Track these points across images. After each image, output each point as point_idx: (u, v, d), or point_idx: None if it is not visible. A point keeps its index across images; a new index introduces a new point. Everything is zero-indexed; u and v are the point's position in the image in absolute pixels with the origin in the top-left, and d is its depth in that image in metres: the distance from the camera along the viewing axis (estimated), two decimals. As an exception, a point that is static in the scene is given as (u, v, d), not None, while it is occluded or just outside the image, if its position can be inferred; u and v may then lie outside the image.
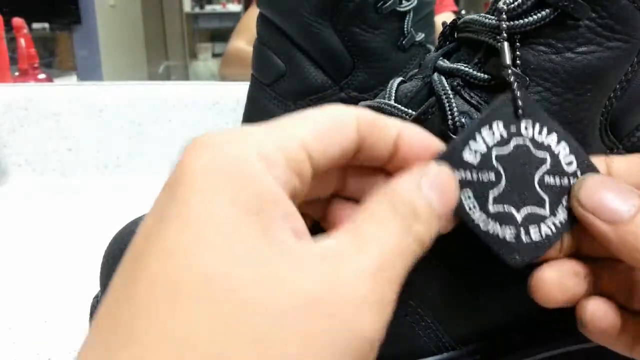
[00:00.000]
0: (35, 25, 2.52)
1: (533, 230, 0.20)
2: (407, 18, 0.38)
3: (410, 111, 0.23)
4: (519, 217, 0.20)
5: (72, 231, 0.49)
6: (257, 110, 0.42)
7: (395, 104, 0.23)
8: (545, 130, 0.20)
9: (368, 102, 0.25)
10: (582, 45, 0.21)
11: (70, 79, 1.77)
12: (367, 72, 0.38)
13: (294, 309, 0.14)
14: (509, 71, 0.20)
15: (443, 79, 0.22)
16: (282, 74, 0.40)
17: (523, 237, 0.20)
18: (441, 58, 0.24)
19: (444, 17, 0.61)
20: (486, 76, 0.22)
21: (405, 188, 0.18)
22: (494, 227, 0.19)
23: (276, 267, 0.15)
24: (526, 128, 0.20)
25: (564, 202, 0.20)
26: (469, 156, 0.19)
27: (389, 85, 0.25)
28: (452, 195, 0.18)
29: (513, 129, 0.20)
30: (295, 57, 0.39)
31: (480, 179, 0.19)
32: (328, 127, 0.19)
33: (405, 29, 0.38)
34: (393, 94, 0.24)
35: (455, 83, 0.22)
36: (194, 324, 0.13)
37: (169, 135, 0.65)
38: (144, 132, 0.66)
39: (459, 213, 0.19)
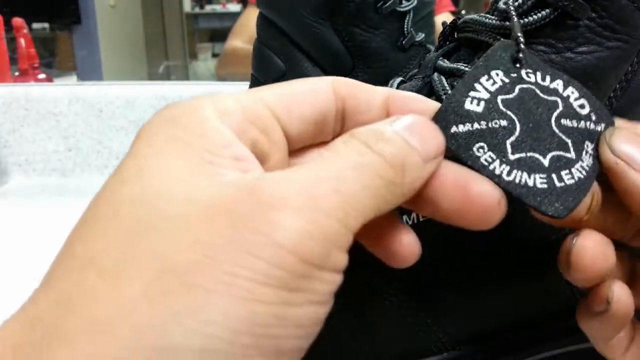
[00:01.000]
0: (35, 25, 2.52)
1: (565, 174, 0.17)
2: (407, 18, 0.38)
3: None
4: (546, 162, 0.17)
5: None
6: (257, 110, 0.42)
7: None
8: (548, 77, 0.19)
9: None
10: (582, 45, 0.21)
11: (70, 79, 1.77)
12: (367, 72, 0.38)
13: (193, 217, 0.14)
14: (514, 19, 0.19)
15: (443, 79, 0.22)
16: (282, 74, 0.40)
17: (556, 182, 0.17)
18: (441, 58, 0.24)
19: (442, 18, 0.61)
20: None
21: (373, 126, 0.16)
22: (520, 176, 0.17)
23: (195, 184, 0.14)
24: (528, 75, 0.19)
25: (587, 148, 0.18)
26: (471, 106, 0.17)
27: (389, 85, 0.25)
28: (432, 139, 0.17)
29: (514, 76, 0.18)
30: (295, 57, 0.39)
31: (491, 126, 0.17)
32: (295, 90, 0.18)
33: (405, 29, 0.38)
34: None
35: (455, 83, 0.22)
36: (96, 242, 0.14)
37: (169, 135, 0.65)
38: (144, 132, 0.66)
39: (477, 168, 0.17)
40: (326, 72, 0.39)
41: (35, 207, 0.56)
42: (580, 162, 0.18)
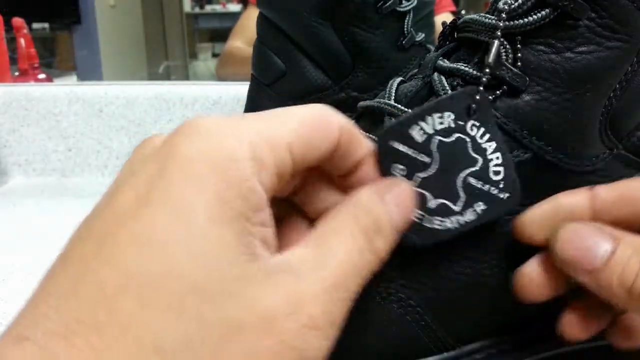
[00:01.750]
0: (35, 25, 2.53)
1: (437, 220, 0.21)
2: (407, 18, 0.38)
3: (409, 111, 0.23)
4: (432, 203, 0.21)
5: (72, 231, 0.49)
6: (257, 110, 0.42)
7: (395, 104, 0.23)
8: (487, 136, 0.21)
9: (368, 102, 0.25)
10: (582, 45, 0.21)
11: (70, 79, 1.77)
12: (367, 72, 0.38)
13: (246, 325, 0.14)
14: (486, 70, 0.21)
15: (443, 78, 0.22)
16: (282, 74, 0.40)
17: (426, 223, 0.21)
18: (441, 58, 0.24)
19: (442, 18, 0.61)
20: (484, 78, 0.21)
21: (370, 201, 0.18)
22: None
23: (238, 281, 0.15)
24: (472, 128, 0.21)
25: (476, 207, 0.21)
26: (415, 133, 0.20)
27: (389, 85, 0.25)
28: (410, 211, 0.20)
29: (460, 124, 0.21)
30: (295, 57, 0.39)
31: (416, 157, 0.20)
32: (314, 132, 0.18)
33: (405, 29, 0.38)
34: (393, 94, 0.24)
35: (455, 83, 0.22)
36: (152, 324, 0.14)
37: (169, 135, 0.65)
38: (144, 132, 0.65)
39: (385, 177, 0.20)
40: (326, 72, 0.39)
41: (35, 207, 0.56)
42: (458, 216, 0.21)
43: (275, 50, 0.40)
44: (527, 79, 0.21)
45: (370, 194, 0.19)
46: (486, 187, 0.21)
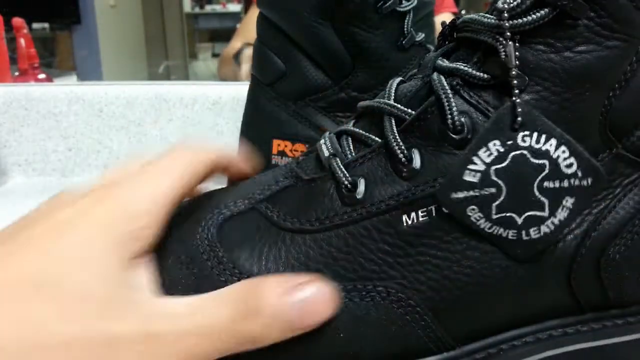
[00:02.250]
0: (35, 25, 2.53)
1: (533, 231, 0.21)
2: (407, 18, 0.38)
3: (409, 110, 0.23)
4: (519, 220, 0.21)
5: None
6: (257, 110, 0.42)
7: (395, 104, 0.23)
8: (543, 137, 0.21)
9: (367, 102, 0.25)
10: (581, 45, 0.21)
11: (70, 79, 1.77)
12: (367, 72, 0.38)
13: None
14: (513, 73, 0.20)
15: (442, 78, 0.22)
16: (282, 74, 0.40)
17: (524, 236, 0.21)
18: (440, 58, 0.24)
19: (443, 18, 0.61)
20: (485, 75, 0.21)
21: (270, 287, 0.20)
22: (497, 230, 0.21)
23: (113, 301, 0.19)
24: (524, 140, 0.21)
25: (564, 203, 0.21)
26: (468, 177, 0.21)
27: (389, 85, 0.25)
28: (319, 316, 0.20)
29: (510, 143, 0.21)
30: (295, 57, 0.39)
31: (482, 194, 0.21)
32: (189, 179, 0.23)
33: (405, 29, 0.38)
34: (392, 94, 0.24)
35: (454, 82, 0.22)
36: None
37: (169, 135, 0.65)
38: (144, 132, 0.66)
39: (466, 224, 0.21)
40: (326, 72, 0.39)
41: (35, 207, 0.56)
42: (551, 219, 0.21)
43: (275, 50, 0.40)
44: (527, 78, 0.21)
45: (277, 281, 0.21)
46: (565, 182, 0.21)
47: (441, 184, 0.21)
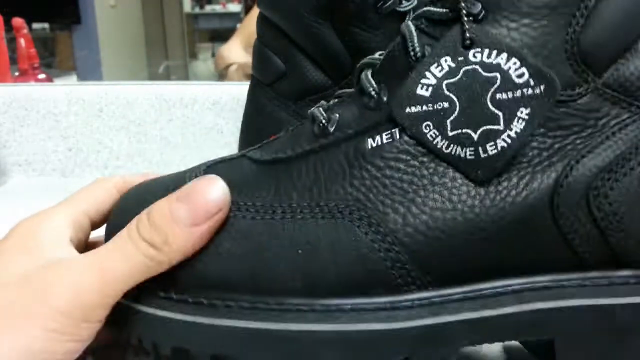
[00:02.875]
0: (35, 25, 2.53)
1: (490, 146, 0.21)
2: (407, 18, 0.38)
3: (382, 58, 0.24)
4: (475, 136, 0.21)
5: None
6: (257, 110, 0.42)
7: (372, 58, 0.25)
8: (495, 52, 0.21)
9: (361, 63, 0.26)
10: None
11: (70, 79, 1.77)
12: (367, 72, 0.38)
13: (5, 279, 0.22)
14: (462, 3, 0.21)
15: (410, 23, 0.23)
16: (282, 74, 0.40)
17: (481, 153, 0.21)
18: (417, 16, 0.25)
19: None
20: (444, 10, 0.22)
21: (154, 208, 0.22)
22: (455, 149, 0.21)
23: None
24: (474, 56, 0.21)
25: (519, 114, 0.21)
26: (421, 91, 0.21)
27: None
28: (201, 206, 0.22)
29: (461, 59, 0.21)
30: (295, 57, 0.39)
31: (436, 108, 0.21)
32: (102, 198, 0.27)
33: (405, 29, 0.38)
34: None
35: (419, 23, 0.23)
36: None
37: (169, 135, 0.65)
38: (144, 132, 0.66)
39: (424, 142, 0.21)
40: (326, 72, 0.39)
41: (35, 207, 0.56)
42: (507, 132, 0.21)
43: (275, 50, 0.40)
44: (480, 5, 0.21)
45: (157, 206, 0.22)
46: (518, 92, 0.21)
47: (396, 99, 0.22)
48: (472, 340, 0.22)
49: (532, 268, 0.22)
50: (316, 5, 0.37)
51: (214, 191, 0.22)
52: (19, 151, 0.66)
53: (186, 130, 0.65)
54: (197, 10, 4.39)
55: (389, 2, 0.36)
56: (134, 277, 0.22)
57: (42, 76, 0.95)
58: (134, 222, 0.22)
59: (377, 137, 0.22)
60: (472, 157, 0.21)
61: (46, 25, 2.65)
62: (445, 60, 0.21)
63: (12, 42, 0.95)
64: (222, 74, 1.16)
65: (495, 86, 0.21)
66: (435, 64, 0.21)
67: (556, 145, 0.22)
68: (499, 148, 0.21)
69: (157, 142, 0.66)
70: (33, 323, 0.20)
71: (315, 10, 0.37)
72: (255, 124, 0.42)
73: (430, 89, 0.21)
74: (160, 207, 0.22)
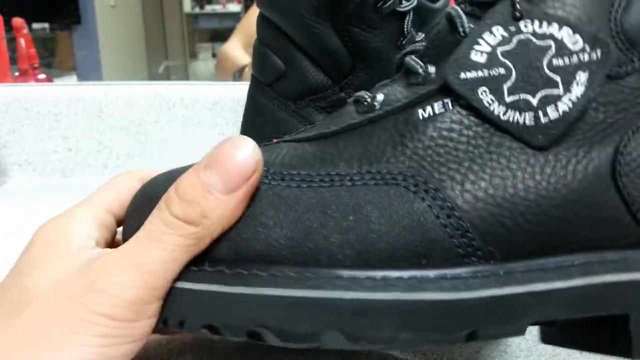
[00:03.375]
0: (35, 25, 2.53)
1: (550, 110, 0.21)
2: (407, 18, 0.38)
3: (424, 39, 0.24)
4: (534, 101, 0.21)
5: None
6: (257, 110, 0.42)
7: (415, 45, 0.24)
8: (545, 23, 0.21)
9: (402, 55, 0.25)
10: None
11: (70, 79, 1.77)
12: (367, 72, 0.38)
13: (41, 292, 0.20)
14: None
15: (455, 6, 0.23)
16: (282, 74, 0.40)
17: (542, 118, 0.21)
18: None
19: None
20: None
21: (182, 182, 0.20)
22: (513, 116, 0.21)
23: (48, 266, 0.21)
24: (525, 26, 0.21)
25: (577, 78, 0.21)
26: (475, 57, 0.21)
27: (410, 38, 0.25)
28: (234, 170, 0.20)
29: (513, 29, 0.21)
30: (295, 57, 0.39)
31: (492, 74, 0.21)
32: (125, 193, 0.25)
33: (405, 29, 0.38)
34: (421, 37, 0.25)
35: (463, 7, 0.23)
36: None
37: (169, 135, 0.65)
38: (144, 132, 0.66)
39: (480, 109, 0.21)
40: (326, 72, 0.39)
41: (35, 207, 0.56)
42: (567, 95, 0.21)
43: (275, 50, 0.40)
44: None
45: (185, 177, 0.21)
46: (574, 58, 0.21)
47: (448, 66, 0.21)
48: (542, 315, 0.20)
49: (598, 243, 0.21)
50: (316, 5, 0.37)
51: (244, 151, 0.20)
52: (19, 151, 0.66)
53: (186, 130, 0.65)
54: (197, 10, 4.39)
55: (389, 2, 0.36)
56: (176, 262, 0.20)
57: (42, 76, 0.95)
58: (162, 202, 0.20)
59: (429, 108, 0.22)
60: (532, 122, 0.21)
61: (46, 25, 2.65)
62: (497, 30, 0.21)
63: (12, 42, 0.95)
64: (221, 76, 1.16)
65: (551, 53, 0.21)
66: (488, 32, 0.21)
67: (609, 120, 0.21)
68: (561, 112, 0.21)
69: (157, 142, 0.66)
70: (82, 333, 0.19)
71: (315, 10, 0.37)
72: (255, 124, 0.42)
73: (484, 55, 0.21)
74: (189, 180, 0.20)
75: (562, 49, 0.21)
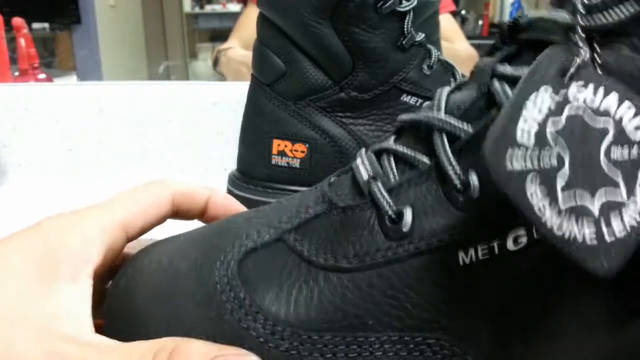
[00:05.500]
0: (35, 25, 2.53)
1: (615, 221, 0.15)
2: (407, 18, 0.38)
3: (464, 126, 0.19)
4: (594, 207, 0.15)
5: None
6: (257, 110, 0.42)
7: (447, 119, 0.20)
8: (601, 90, 0.16)
9: (411, 116, 0.21)
10: None
11: (70, 79, 1.77)
12: (367, 72, 0.38)
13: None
14: (578, 17, 0.16)
15: (506, 86, 0.19)
16: (282, 74, 0.40)
17: (606, 234, 0.15)
18: (501, 63, 0.20)
19: (442, 18, 0.60)
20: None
21: (194, 353, 0.18)
22: (569, 228, 0.15)
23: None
24: (579, 90, 0.16)
25: None
26: (522, 139, 0.15)
27: (437, 95, 0.21)
28: None
29: (561, 96, 0.16)
30: (295, 57, 0.39)
31: (542, 165, 0.15)
32: (146, 207, 0.22)
33: (405, 29, 0.38)
34: (443, 106, 0.20)
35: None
36: None
37: (169, 135, 0.65)
38: (144, 132, 0.65)
39: (529, 217, 0.15)
40: (326, 72, 0.39)
41: (35, 207, 0.56)
42: (633, 204, 0.16)
43: (275, 50, 0.40)
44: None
45: (198, 345, 0.18)
46: (635, 150, 0.16)
47: (487, 155, 0.15)
48: None
49: None
50: (316, 5, 0.37)
51: None
52: (19, 151, 0.66)
53: (186, 130, 0.65)
54: (197, 10, 4.39)
55: (389, 2, 0.36)
56: None
57: (42, 76, 0.95)
58: (149, 354, 0.18)
59: (471, 251, 0.17)
60: (594, 241, 0.15)
61: (46, 25, 2.65)
62: (546, 90, 0.15)
63: (12, 42, 0.95)
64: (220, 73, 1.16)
65: (609, 139, 0.16)
66: (533, 97, 0.15)
67: None
68: (628, 227, 0.15)
69: (157, 142, 0.66)
70: None
71: (315, 10, 0.37)
72: (255, 124, 0.42)
73: (533, 136, 0.15)
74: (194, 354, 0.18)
75: (621, 134, 0.16)
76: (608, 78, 0.16)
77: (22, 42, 0.92)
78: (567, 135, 0.15)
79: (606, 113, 0.16)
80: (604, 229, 0.15)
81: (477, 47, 1.12)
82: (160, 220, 0.23)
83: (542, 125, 0.15)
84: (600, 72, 0.17)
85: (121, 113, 0.65)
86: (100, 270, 0.21)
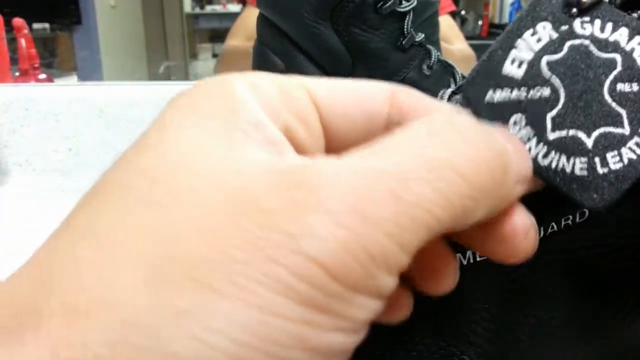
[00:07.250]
0: (36, 26, 2.53)
1: (611, 156, 0.15)
2: (407, 18, 0.38)
3: None
4: (589, 142, 0.15)
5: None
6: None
7: None
8: (609, 25, 0.15)
9: None
10: None
11: (71, 79, 1.77)
12: (367, 72, 0.38)
13: (212, 201, 0.12)
14: None
15: None
16: (282, 74, 0.40)
17: (599, 167, 0.15)
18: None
19: (441, 19, 0.60)
20: None
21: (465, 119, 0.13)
22: (558, 160, 0.15)
23: (219, 162, 0.12)
24: (583, 26, 0.15)
25: None
26: (511, 69, 0.15)
27: (439, 95, 0.21)
28: (525, 157, 0.14)
29: (564, 29, 0.15)
30: (295, 57, 0.39)
31: (532, 97, 0.15)
32: (344, 85, 0.15)
33: (405, 29, 0.38)
34: None
35: None
36: (98, 214, 0.13)
37: (169, 135, 0.65)
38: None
39: None
40: (326, 72, 0.39)
41: (35, 207, 0.56)
42: (635, 139, 0.15)
43: (275, 50, 0.40)
44: None
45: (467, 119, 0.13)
46: None
47: (472, 78, 0.15)
48: None
49: None
50: (316, 5, 0.37)
51: (529, 159, 0.14)
52: (19, 151, 0.66)
53: (186, 131, 0.65)
54: (197, 10, 4.39)
55: (389, 2, 0.36)
56: (444, 223, 0.12)
57: (42, 76, 0.95)
58: (458, 121, 0.13)
59: (469, 253, 0.17)
60: (585, 173, 0.15)
61: (47, 25, 2.66)
62: (544, 27, 0.15)
63: (12, 42, 0.95)
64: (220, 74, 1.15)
65: (616, 73, 0.15)
66: (531, 30, 0.15)
67: None
68: (625, 161, 0.15)
69: (157, 142, 0.66)
70: (268, 287, 0.11)
71: (315, 10, 0.37)
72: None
73: (524, 66, 0.15)
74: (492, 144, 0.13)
75: (630, 69, 0.15)
76: (616, 12, 0.15)
77: (22, 42, 0.92)
78: (566, 66, 0.15)
79: (615, 46, 0.15)
80: (597, 160, 0.15)
81: (476, 47, 1.12)
82: (369, 115, 0.15)
83: (537, 57, 0.15)
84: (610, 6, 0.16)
85: (121, 113, 0.65)
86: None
